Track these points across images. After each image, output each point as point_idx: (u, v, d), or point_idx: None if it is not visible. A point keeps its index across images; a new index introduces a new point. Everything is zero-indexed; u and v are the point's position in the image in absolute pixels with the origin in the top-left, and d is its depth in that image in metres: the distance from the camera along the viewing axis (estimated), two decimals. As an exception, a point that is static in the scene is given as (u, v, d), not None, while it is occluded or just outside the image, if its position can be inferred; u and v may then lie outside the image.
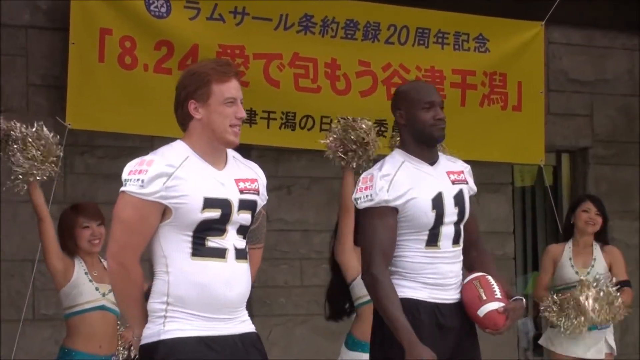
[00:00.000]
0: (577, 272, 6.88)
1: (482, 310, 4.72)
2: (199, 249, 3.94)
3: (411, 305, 4.71)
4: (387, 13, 7.63)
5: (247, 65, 7.21)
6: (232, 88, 4.05)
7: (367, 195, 4.71)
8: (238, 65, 4.14)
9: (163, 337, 3.93)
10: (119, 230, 3.97)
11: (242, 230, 4.05)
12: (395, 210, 4.71)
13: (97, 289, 5.93)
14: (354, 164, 6.03)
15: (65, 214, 6.09)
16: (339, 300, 6.29)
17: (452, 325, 4.76)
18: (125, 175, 3.95)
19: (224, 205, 3.98)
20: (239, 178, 4.08)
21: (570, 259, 6.89)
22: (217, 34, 7.13)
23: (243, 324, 4.09)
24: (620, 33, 8.90)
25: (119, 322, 5.97)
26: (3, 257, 6.92)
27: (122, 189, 3.95)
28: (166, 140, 7.38)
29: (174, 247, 3.94)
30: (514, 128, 7.82)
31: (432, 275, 4.78)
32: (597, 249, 7.06)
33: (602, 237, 7.09)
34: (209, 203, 3.94)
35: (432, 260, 4.77)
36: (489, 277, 4.80)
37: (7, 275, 6.89)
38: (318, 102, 7.45)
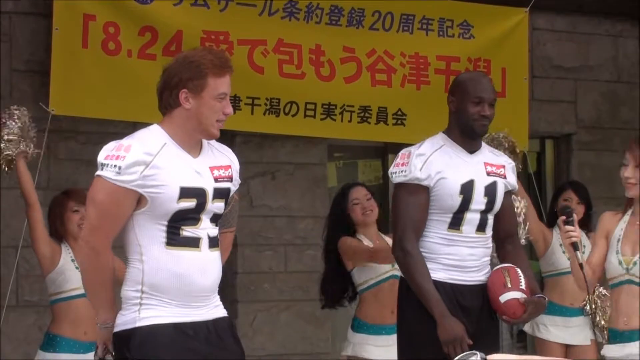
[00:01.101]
0: (568, 259, 6.90)
1: (505, 297, 4.81)
2: (174, 239, 3.95)
3: None
4: (371, -1, 7.64)
5: (231, 52, 7.20)
6: (225, 83, 4.08)
7: (402, 171, 4.89)
8: (227, 57, 4.13)
9: (139, 324, 3.95)
10: (92, 213, 3.98)
11: (215, 219, 4.07)
12: (426, 189, 4.83)
13: None
14: None
15: (57, 199, 6.17)
16: (335, 289, 6.33)
17: (472, 305, 4.87)
18: (101, 158, 3.97)
19: (199, 194, 3.99)
20: (214, 166, 4.09)
21: (560, 245, 6.91)
22: (201, 20, 7.13)
23: (216, 309, 4.12)
24: (605, 19, 8.92)
25: None
26: (-14, 244, 6.93)
27: (98, 172, 3.96)
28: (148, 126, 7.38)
29: (148, 236, 3.94)
30: (498, 114, 7.73)
31: (450, 256, 4.88)
32: (583, 236, 7.09)
33: (585, 223, 7.12)
34: (184, 193, 3.95)
35: (452, 242, 4.89)
36: (518, 270, 4.90)
37: (-10, 262, 6.90)
38: (302, 88, 7.45)
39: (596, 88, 8.91)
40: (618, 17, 8.95)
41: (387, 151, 8.26)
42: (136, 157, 3.91)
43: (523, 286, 4.84)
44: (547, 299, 5.27)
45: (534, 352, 7.34)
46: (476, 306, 4.90)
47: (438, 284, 4.84)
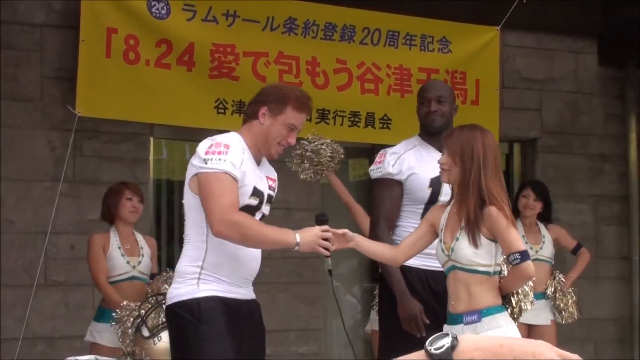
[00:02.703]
0: (531, 248, 6.91)
1: None
2: None
3: (403, 271, 4.82)
4: (362, 17, 7.63)
5: (237, 62, 7.21)
6: (299, 118, 4.24)
7: (378, 168, 4.96)
8: (311, 101, 4.32)
9: (198, 295, 4.06)
10: (217, 200, 4.00)
11: (262, 218, 4.24)
12: (399, 183, 4.86)
13: (128, 262, 6.14)
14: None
15: (114, 187, 6.36)
16: None
17: (442, 289, 4.85)
18: (202, 154, 4.03)
19: (260, 195, 4.19)
20: (268, 176, 4.31)
21: (523, 236, 6.93)
22: (211, 34, 7.13)
23: (251, 292, 4.28)
24: (567, 37, 8.93)
25: (150, 282, 6.15)
26: (18, 230, 6.92)
27: (203, 170, 4.00)
28: (164, 127, 7.42)
29: None
30: (472, 120, 7.66)
31: None
32: (542, 228, 7.11)
33: (544, 217, 7.14)
34: (254, 192, 4.14)
35: None
36: None
37: (22, 246, 6.90)
38: None
39: (559, 98, 8.92)
40: (579, 35, 8.97)
41: (374, 151, 8.21)
42: (237, 155, 4.05)
43: None
44: None
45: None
46: (444, 290, 4.91)
47: (412, 270, 4.85)
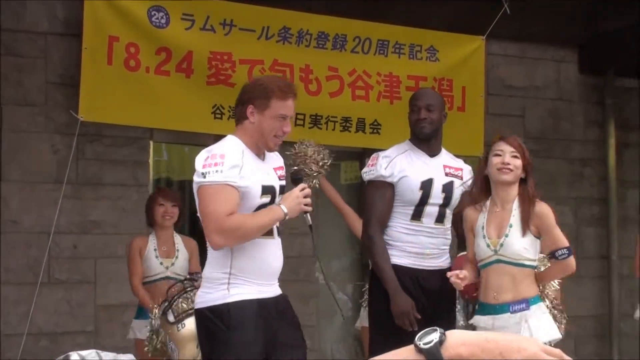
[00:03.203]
0: None
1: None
2: None
3: (395, 270, 4.82)
4: (353, 27, 7.65)
5: (234, 69, 7.22)
6: (287, 106, 4.15)
7: (370, 171, 4.95)
8: (293, 85, 4.28)
9: (229, 300, 4.03)
10: (217, 209, 3.97)
11: None
12: (391, 185, 4.86)
13: (161, 263, 6.18)
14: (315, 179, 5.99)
15: (151, 195, 6.50)
16: None
17: (432, 288, 4.88)
18: (199, 167, 3.98)
19: (271, 191, 4.13)
20: (276, 167, 4.23)
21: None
22: (208, 42, 7.13)
23: (277, 288, 4.24)
24: (550, 47, 8.96)
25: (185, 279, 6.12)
26: (23, 230, 6.91)
27: (202, 184, 3.97)
28: (163, 131, 7.43)
29: None
30: (458, 125, 7.85)
31: (413, 245, 4.89)
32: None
33: None
34: (264, 190, 4.07)
35: (414, 232, 4.90)
36: None
37: (26, 246, 6.89)
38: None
39: (541, 105, 8.94)
40: (561, 45, 8.99)
41: (364, 155, 8.24)
42: (234, 161, 3.98)
43: None
44: None
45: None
46: (435, 289, 4.90)
47: (402, 269, 4.85)
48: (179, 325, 5.07)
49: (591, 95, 9.13)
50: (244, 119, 4.13)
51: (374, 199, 4.90)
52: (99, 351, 1.79)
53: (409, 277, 4.84)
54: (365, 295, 5.96)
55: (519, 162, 4.74)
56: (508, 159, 4.70)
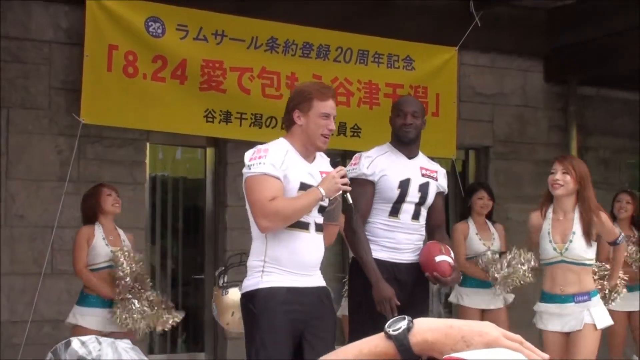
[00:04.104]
0: (484, 244, 6.90)
1: (439, 258, 4.87)
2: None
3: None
4: (336, 38, 7.66)
5: (225, 76, 7.21)
6: (328, 106, 4.20)
7: (353, 169, 4.95)
8: (331, 88, 4.39)
9: (261, 286, 4.06)
10: (260, 199, 4.04)
11: (321, 210, 4.18)
12: (372, 183, 4.86)
13: (111, 251, 6.01)
14: None
15: (92, 189, 6.19)
16: None
17: (407, 280, 4.88)
18: (247, 161, 4.08)
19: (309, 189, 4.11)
20: (323, 171, 4.23)
21: (477, 234, 6.93)
22: (201, 51, 7.13)
23: (319, 279, 4.23)
24: (517, 58, 8.98)
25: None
26: (28, 224, 6.89)
27: (247, 174, 4.06)
28: (159, 133, 7.42)
29: None
30: (433, 130, 7.86)
31: (390, 240, 4.88)
32: (491, 226, 7.09)
33: (489, 216, 7.13)
34: (302, 186, 4.09)
35: (391, 228, 4.89)
36: (449, 247, 4.95)
37: (31, 239, 6.87)
38: (280, 107, 7.23)
39: (509, 111, 8.97)
40: (527, 56, 9.02)
41: (346, 157, 8.25)
42: (276, 155, 4.06)
43: (452, 256, 4.90)
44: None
45: (457, 317, 7.38)
46: (410, 280, 4.91)
47: (380, 262, 4.84)
48: (224, 291, 5.14)
49: (555, 103, 9.16)
50: (292, 125, 4.20)
51: (357, 196, 4.90)
52: (98, 337, 1.80)
53: (386, 269, 4.84)
54: (346, 286, 5.98)
55: (568, 178, 5.33)
56: (559, 176, 5.35)
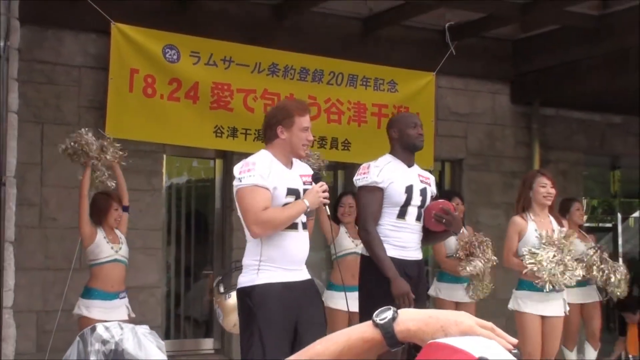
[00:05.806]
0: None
1: (445, 203, 4.94)
2: None
3: None
4: (329, 64, 7.68)
5: (232, 97, 7.22)
6: (306, 120, 4.21)
7: (364, 177, 4.88)
8: (306, 103, 4.39)
9: (257, 282, 4.04)
10: (251, 210, 4.01)
11: (308, 211, 4.17)
12: (381, 190, 4.82)
13: (112, 247, 5.97)
14: None
15: (102, 199, 6.07)
16: None
17: (412, 274, 4.84)
18: (237, 174, 4.04)
19: (296, 193, 4.13)
20: (301, 174, 4.23)
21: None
22: (211, 75, 7.14)
23: (305, 273, 4.23)
24: (488, 82, 9.01)
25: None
26: (60, 226, 6.88)
27: (238, 187, 4.02)
28: (174, 146, 7.37)
29: None
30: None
31: (398, 239, 4.85)
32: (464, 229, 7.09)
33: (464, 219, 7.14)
34: (289, 191, 4.07)
35: (399, 229, 4.86)
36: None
37: (62, 239, 6.85)
38: None
39: (480, 129, 8.99)
40: (496, 81, 9.05)
41: (337, 167, 8.29)
42: (263, 166, 4.04)
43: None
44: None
45: (436, 308, 7.35)
46: (415, 275, 4.87)
47: (391, 260, 4.81)
48: (226, 295, 5.11)
49: (520, 121, 9.19)
50: (274, 138, 4.16)
51: (369, 201, 4.84)
52: (120, 322, 1.80)
53: (397, 266, 4.79)
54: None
55: (553, 191, 5.71)
56: (550, 189, 5.69)
